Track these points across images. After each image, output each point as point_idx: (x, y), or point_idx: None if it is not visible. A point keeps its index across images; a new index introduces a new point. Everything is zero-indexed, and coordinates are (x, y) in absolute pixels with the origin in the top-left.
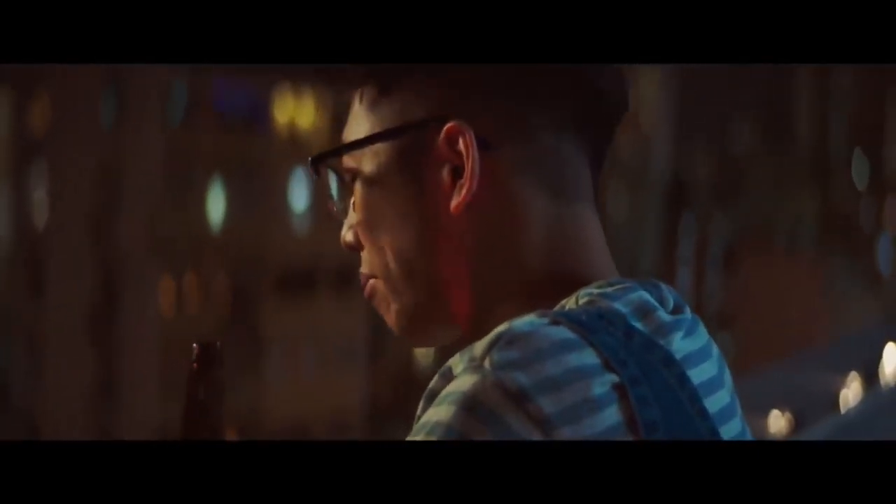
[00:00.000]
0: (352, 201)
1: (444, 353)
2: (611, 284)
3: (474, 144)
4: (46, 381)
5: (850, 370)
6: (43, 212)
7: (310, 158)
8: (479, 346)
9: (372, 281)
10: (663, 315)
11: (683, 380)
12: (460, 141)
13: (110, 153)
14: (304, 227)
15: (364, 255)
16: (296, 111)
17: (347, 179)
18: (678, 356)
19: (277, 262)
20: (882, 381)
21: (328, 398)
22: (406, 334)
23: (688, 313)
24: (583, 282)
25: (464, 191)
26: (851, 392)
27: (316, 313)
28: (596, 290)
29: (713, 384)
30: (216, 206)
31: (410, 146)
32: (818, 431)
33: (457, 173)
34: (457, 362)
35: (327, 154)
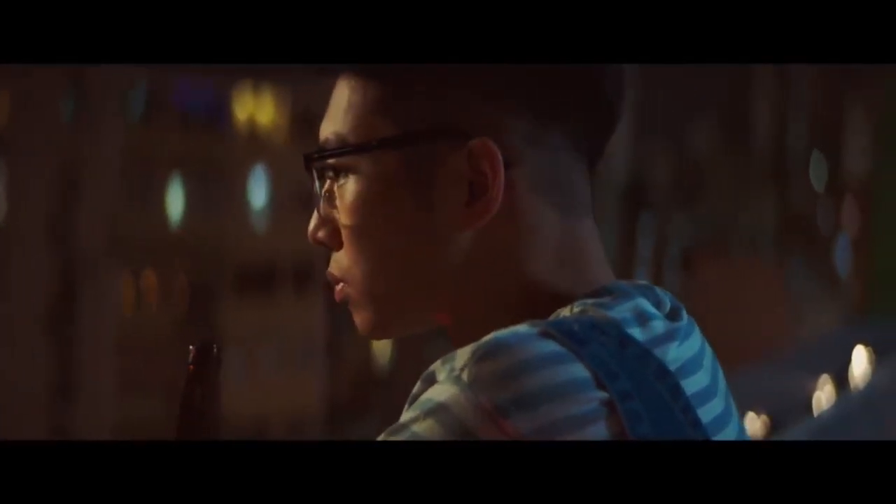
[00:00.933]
0: (335, 198)
1: (403, 353)
2: (609, 293)
3: (501, 167)
4: (3, 379)
5: (822, 373)
6: (1, 210)
7: (306, 155)
8: (461, 356)
9: (345, 288)
10: (660, 324)
11: (677, 392)
12: (485, 161)
13: (70, 151)
14: (264, 225)
15: (338, 256)
16: (255, 109)
17: (333, 175)
18: (673, 367)
19: (236, 260)
20: (852, 384)
21: (287, 397)
22: (376, 338)
23: (684, 318)
24: (582, 293)
25: (484, 211)
26: (825, 395)
27: (275, 312)
28: (591, 300)
29: (707, 393)
30: (175, 204)
31: (423, 156)
32: (796, 433)
33: (473, 190)
34: (439, 368)
35: (328, 153)
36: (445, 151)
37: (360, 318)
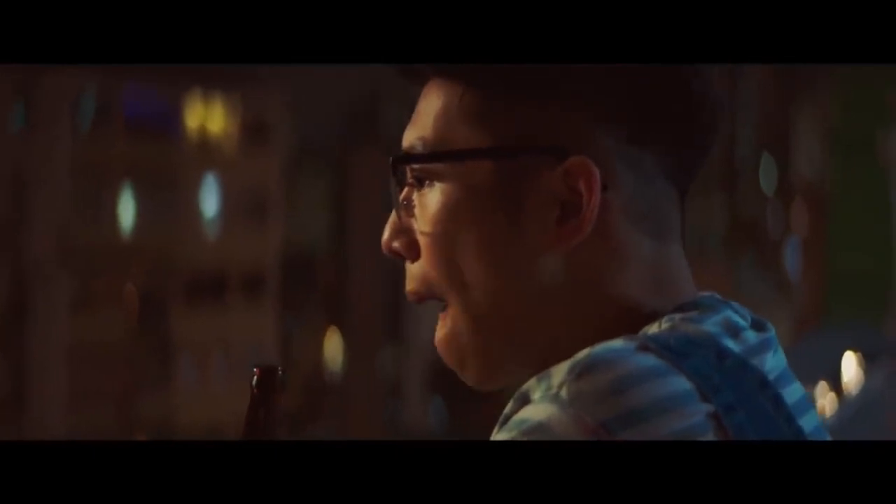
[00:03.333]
0: (413, 207)
1: (355, 360)
2: (696, 307)
3: (598, 187)
4: None
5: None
6: None
7: (394, 158)
8: (557, 373)
9: (447, 314)
10: (751, 335)
11: (778, 401)
12: (581, 180)
13: (19, 159)
14: (214, 233)
15: (414, 269)
16: (206, 117)
17: (416, 183)
18: (771, 376)
19: (187, 268)
20: (845, 391)
21: (238, 403)
22: (484, 380)
23: (771, 329)
24: (667, 312)
25: (576, 232)
26: (828, 403)
27: (225, 319)
28: (678, 315)
29: (803, 403)
30: (126, 212)
31: (516, 169)
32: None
33: (566, 210)
34: (534, 387)
35: (417, 157)
36: (540, 167)
37: (463, 363)
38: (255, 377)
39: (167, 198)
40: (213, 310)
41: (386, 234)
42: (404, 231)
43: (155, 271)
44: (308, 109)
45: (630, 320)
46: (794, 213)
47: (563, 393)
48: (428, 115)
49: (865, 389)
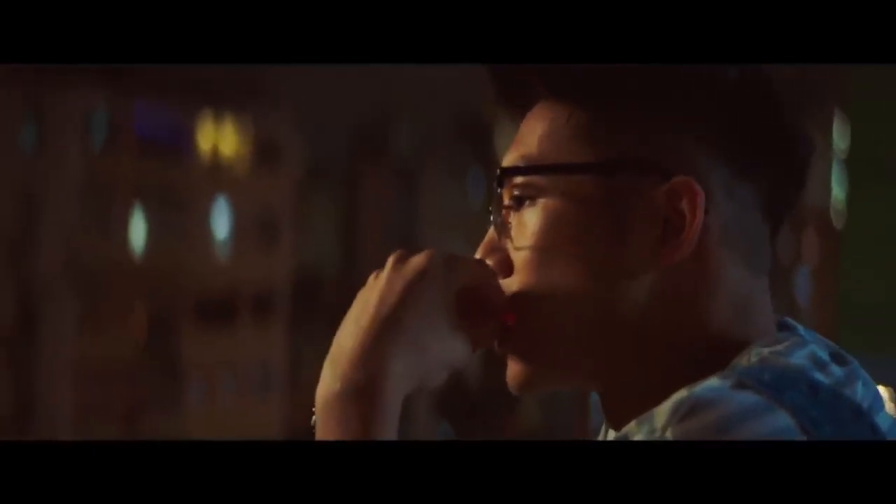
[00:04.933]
0: (510, 229)
1: None
2: (780, 341)
3: (703, 207)
4: None
5: None
6: None
7: (501, 169)
8: (660, 415)
9: (507, 325)
10: (836, 368)
11: (875, 431)
12: (685, 200)
13: (30, 177)
14: (224, 254)
15: (504, 283)
16: (217, 138)
17: (515, 203)
18: (864, 405)
19: (196, 288)
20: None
21: (245, 424)
22: (528, 390)
23: (854, 362)
24: (747, 343)
25: (677, 251)
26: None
27: (234, 340)
28: (766, 349)
29: (894, 429)
30: (136, 231)
31: (621, 187)
32: None
33: (668, 229)
34: (634, 430)
35: (525, 169)
36: (645, 185)
37: (518, 362)
38: (314, 416)
39: (177, 217)
40: (222, 330)
41: (480, 252)
42: (498, 249)
43: (164, 291)
44: (318, 129)
45: (716, 346)
46: (806, 241)
47: (669, 435)
48: (532, 136)
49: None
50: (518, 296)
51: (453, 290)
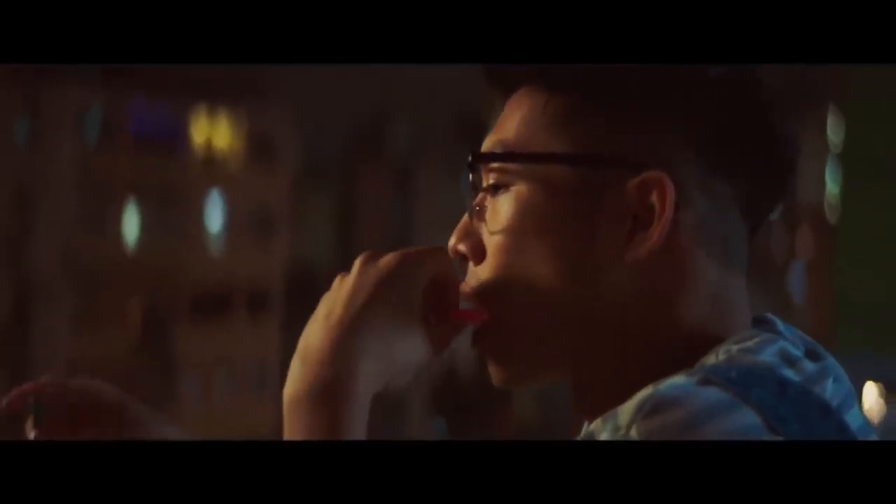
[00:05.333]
0: (485, 212)
1: None
2: (751, 338)
3: (672, 203)
4: None
5: None
6: None
7: (473, 154)
8: (624, 413)
9: (478, 318)
10: (808, 364)
11: (843, 428)
12: (654, 194)
13: (24, 174)
14: (219, 249)
15: (477, 270)
16: (212, 133)
17: (490, 187)
18: (833, 403)
19: (192, 284)
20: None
21: (241, 423)
22: (507, 383)
23: (829, 358)
24: (723, 341)
25: (645, 246)
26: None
27: (229, 336)
28: (735, 346)
29: (865, 429)
30: (131, 228)
31: (592, 179)
32: None
33: (637, 223)
34: (599, 428)
35: (496, 156)
36: (617, 178)
37: (496, 356)
38: None
39: (172, 213)
40: (218, 326)
41: (454, 237)
42: (472, 234)
43: (159, 287)
44: (314, 126)
45: (690, 344)
46: (800, 238)
47: (633, 433)
48: (511, 121)
49: (887, 420)
50: (487, 284)
51: (420, 290)
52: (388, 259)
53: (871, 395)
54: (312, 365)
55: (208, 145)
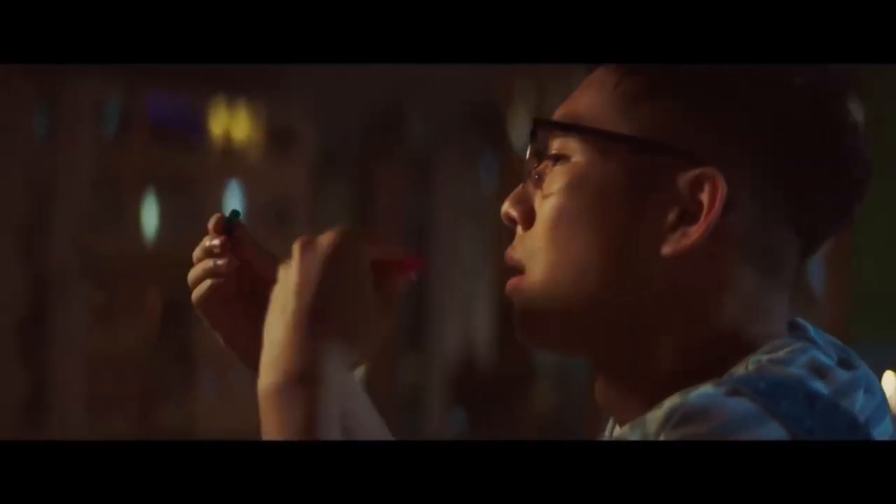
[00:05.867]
0: (543, 181)
1: (376, 369)
2: (782, 347)
3: (721, 204)
4: None
5: None
6: None
7: (535, 120)
8: (652, 422)
9: (519, 282)
10: (841, 373)
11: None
12: (706, 190)
13: (42, 165)
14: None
15: (524, 237)
16: (231, 124)
17: (552, 157)
18: (862, 417)
19: None
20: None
21: (258, 417)
22: (532, 342)
23: (863, 367)
24: (756, 349)
25: (686, 242)
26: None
27: None
28: (765, 357)
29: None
30: (149, 219)
31: (648, 164)
32: None
33: (682, 217)
34: (626, 434)
35: (559, 125)
36: (672, 168)
37: (526, 315)
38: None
39: (191, 205)
40: None
41: (507, 201)
42: (525, 200)
43: (178, 279)
44: (333, 117)
45: (716, 346)
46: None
47: None
48: (583, 96)
49: None
50: (531, 249)
51: (364, 261)
52: (326, 239)
53: (890, 384)
54: (280, 358)
55: (227, 137)
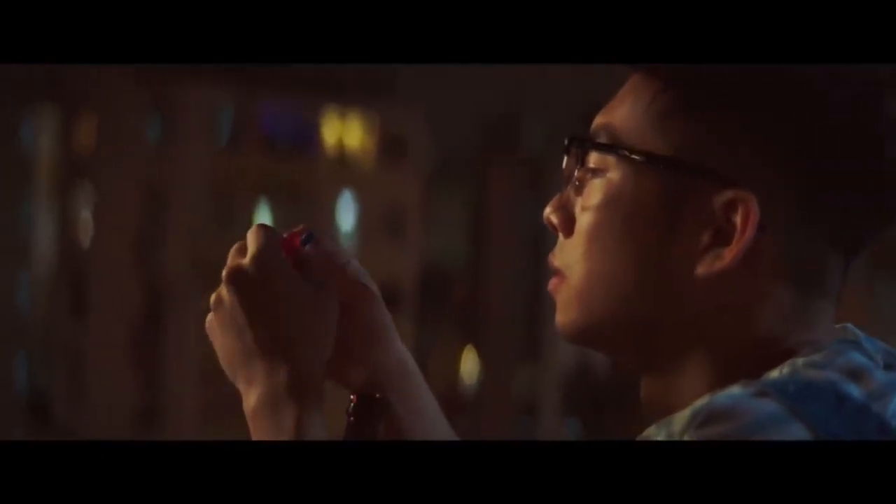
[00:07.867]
0: (584, 188)
1: None
2: (818, 351)
3: (754, 227)
4: (89, 402)
5: None
6: (87, 231)
7: (571, 138)
8: (678, 422)
9: (560, 281)
10: (879, 375)
11: None
12: (739, 214)
13: (156, 173)
14: (351, 249)
15: (564, 244)
16: (343, 133)
17: (591, 167)
18: (894, 422)
19: None
20: None
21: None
22: (571, 340)
23: None
24: (797, 355)
25: (720, 264)
26: None
27: None
28: (801, 360)
29: None
30: None
31: (682, 184)
32: None
33: (717, 238)
34: (654, 434)
35: (589, 141)
36: (706, 189)
37: (562, 316)
38: (351, 404)
39: (303, 214)
40: None
41: (549, 206)
42: (566, 208)
43: None
44: (446, 124)
45: (754, 357)
46: None
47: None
48: (619, 108)
49: None
50: (569, 257)
51: (291, 267)
52: (251, 261)
53: None
54: (257, 381)
55: (340, 145)
